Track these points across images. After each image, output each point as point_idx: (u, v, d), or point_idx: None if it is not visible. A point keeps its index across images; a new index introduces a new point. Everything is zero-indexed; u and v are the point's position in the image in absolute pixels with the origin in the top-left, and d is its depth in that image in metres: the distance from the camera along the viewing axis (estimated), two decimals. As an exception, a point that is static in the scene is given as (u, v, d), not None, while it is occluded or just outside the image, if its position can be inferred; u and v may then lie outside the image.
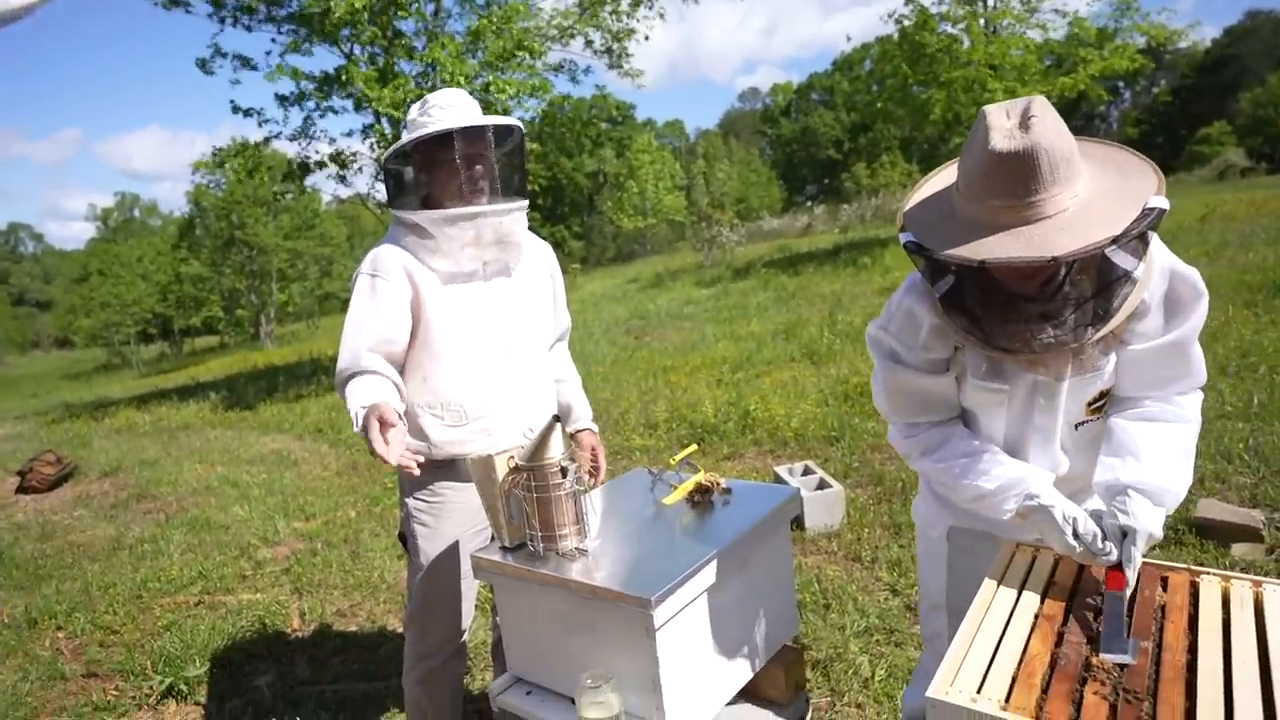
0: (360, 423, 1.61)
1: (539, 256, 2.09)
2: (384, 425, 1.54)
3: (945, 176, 1.38)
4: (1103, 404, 1.41)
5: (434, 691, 2.02)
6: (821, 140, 51.14)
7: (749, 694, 1.65)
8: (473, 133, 1.83)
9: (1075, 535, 1.25)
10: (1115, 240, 1.12)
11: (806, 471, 4.11)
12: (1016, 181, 1.16)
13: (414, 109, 1.92)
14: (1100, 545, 1.23)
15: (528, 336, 1.99)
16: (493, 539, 1.67)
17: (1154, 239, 1.28)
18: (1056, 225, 1.16)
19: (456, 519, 1.94)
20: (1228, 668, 1.05)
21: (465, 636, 2.04)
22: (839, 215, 26.78)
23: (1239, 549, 3.01)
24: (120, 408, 11.32)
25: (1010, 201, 1.18)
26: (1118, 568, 1.20)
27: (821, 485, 3.90)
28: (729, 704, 1.59)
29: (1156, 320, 1.32)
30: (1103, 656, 1.11)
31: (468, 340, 1.88)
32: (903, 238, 1.28)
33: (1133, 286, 1.23)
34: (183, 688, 2.91)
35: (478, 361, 1.89)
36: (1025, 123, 1.17)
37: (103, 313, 34.34)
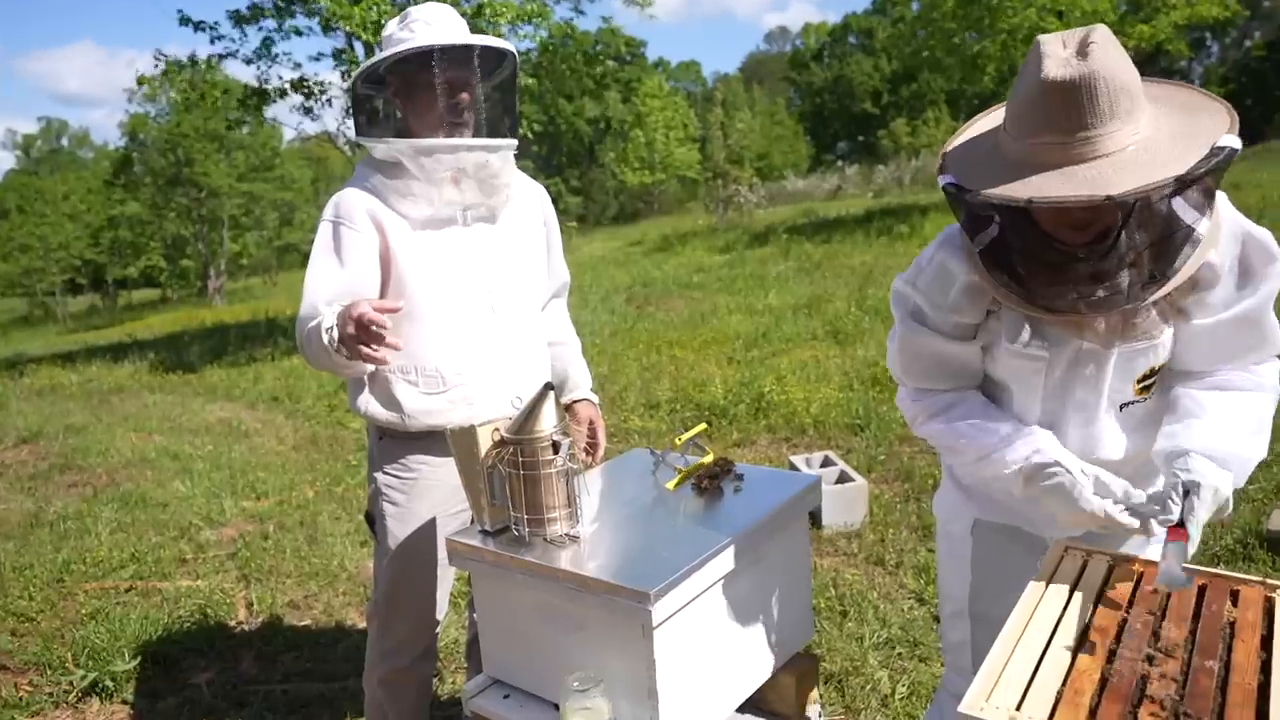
0: (337, 335, 1.67)
1: (531, 200, 2.08)
2: (361, 328, 1.61)
3: (993, 119, 1.38)
4: (1152, 383, 1.42)
5: (398, 694, 2.04)
6: (857, 91, 50.71)
7: (755, 705, 1.66)
8: (458, 53, 1.81)
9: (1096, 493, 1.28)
10: (1181, 180, 1.11)
11: (826, 463, 4.13)
12: (1070, 114, 1.16)
13: (392, 24, 1.91)
14: (1133, 501, 1.27)
15: (515, 291, 1.98)
16: (471, 521, 1.68)
17: (1224, 201, 1.28)
18: (1115, 164, 1.15)
19: (431, 498, 1.95)
20: (1305, 693, 1.06)
21: (437, 632, 2.06)
22: (873, 177, 26.76)
23: (1315, 568, 3.03)
24: (42, 365, 11.30)
25: (1062, 138, 1.17)
26: (1180, 526, 1.22)
27: (842, 478, 3.92)
28: (732, 715, 1.61)
29: (1227, 289, 1.33)
30: (1158, 584, 1.18)
31: (445, 295, 1.88)
32: (941, 180, 1.28)
33: (1195, 245, 1.23)
34: (109, 684, 2.94)
35: (457, 320, 1.89)
36: (1084, 50, 1.17)
37: (23, 257, 34.25)
